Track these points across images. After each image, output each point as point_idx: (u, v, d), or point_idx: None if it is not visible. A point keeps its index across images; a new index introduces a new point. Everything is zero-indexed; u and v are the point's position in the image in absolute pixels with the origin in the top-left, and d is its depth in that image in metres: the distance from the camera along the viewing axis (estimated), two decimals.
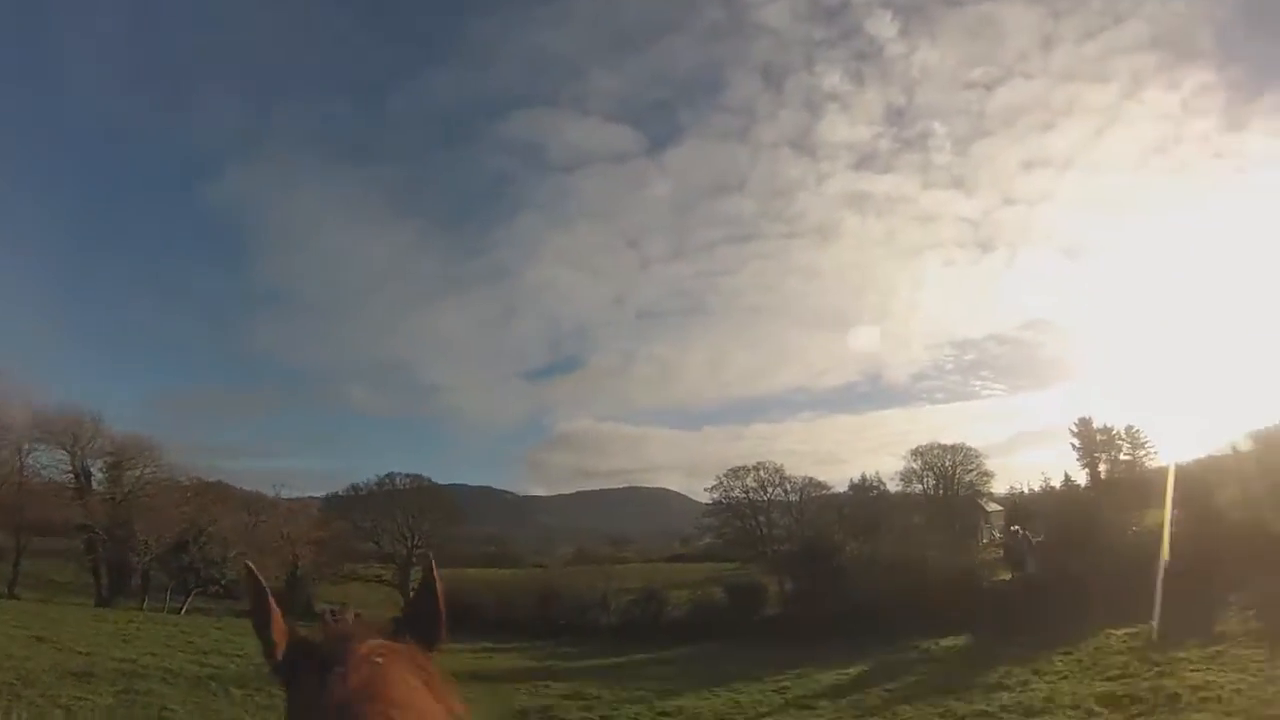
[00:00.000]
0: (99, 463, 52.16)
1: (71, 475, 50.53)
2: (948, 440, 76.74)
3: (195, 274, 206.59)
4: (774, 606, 36.18)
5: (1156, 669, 15.66)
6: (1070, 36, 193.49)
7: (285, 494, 62.47)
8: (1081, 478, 71.56)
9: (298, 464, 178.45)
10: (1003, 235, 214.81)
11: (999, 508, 64.30)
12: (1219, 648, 16.58)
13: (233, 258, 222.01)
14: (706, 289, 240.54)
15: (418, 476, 70.13)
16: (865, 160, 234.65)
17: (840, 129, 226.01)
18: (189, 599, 46.05)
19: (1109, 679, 15.66)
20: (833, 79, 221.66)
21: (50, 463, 50.05)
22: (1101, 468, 73.49)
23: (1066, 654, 19.08)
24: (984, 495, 72.32)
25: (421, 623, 1.96)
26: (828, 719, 15.07)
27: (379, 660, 1.75)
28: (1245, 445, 33.76)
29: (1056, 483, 66.92)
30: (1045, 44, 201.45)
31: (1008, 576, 34.11)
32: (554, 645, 33.96)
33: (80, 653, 21.24)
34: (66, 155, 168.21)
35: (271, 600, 1.90)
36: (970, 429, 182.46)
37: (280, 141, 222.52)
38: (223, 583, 46.85)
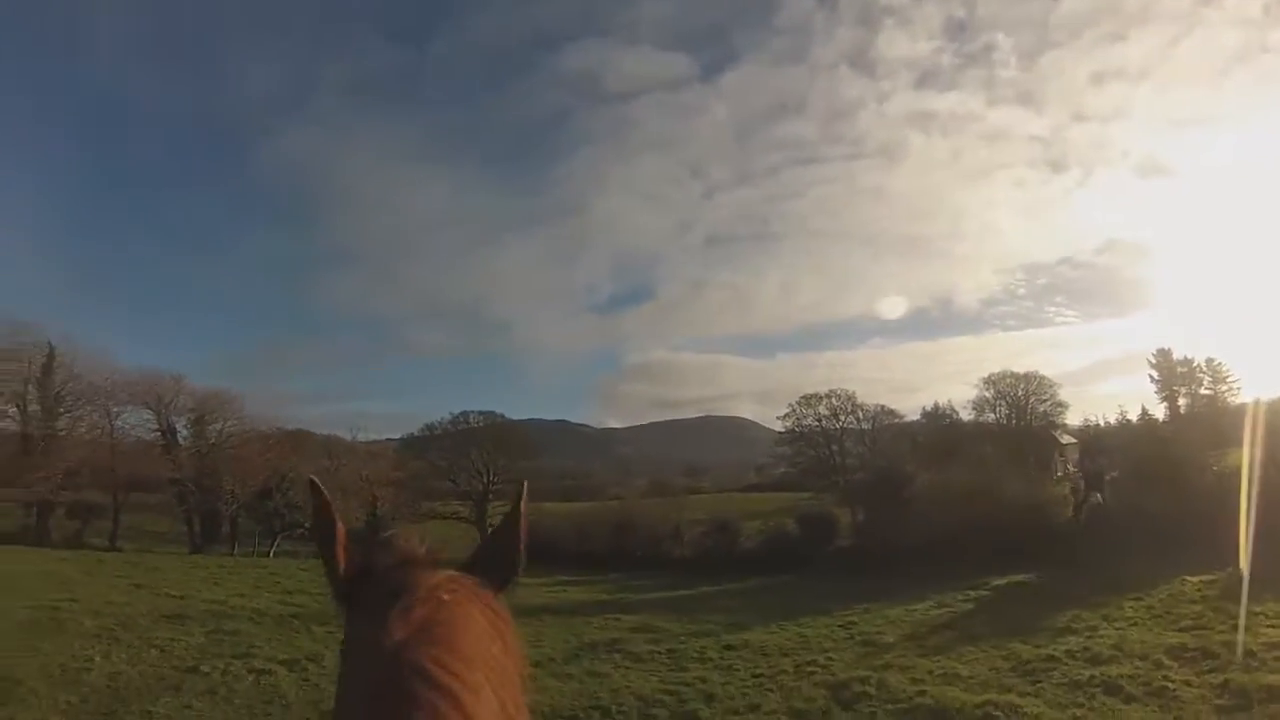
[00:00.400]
0: (183, 419, 54.79)
1: (158, 433, 53.25)
2: (1021, 369, 75.70)
3: (266, 234, 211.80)
4: (846, 537, 36.24)
5: (1232, 622, 15.10)
6: None
7: (362, 437, 64.78)
8: (1160, 411, 70.06)
9: (374, 407, 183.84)
10: (1075, 154, 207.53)
11: (1074, 440, 63.52)
12: None
13: (300, 215, 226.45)
14: (772, 214, 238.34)
15: (490, 414, 71.35)
16: (927, 77, 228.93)
17: (899, 44, 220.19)
18: (276, 542, 48.10)
19: (1181, 630, 15.34)
20: None
21: (138, 422, 52.94)
22: (1181, 402, 71.51)
23: (1138, 599, 18.70)
24: (1058, 426, 71.20)
25: (498, 556, 1.82)
26: (892, 658, 15.05)
27: (446, 597, 1.63)
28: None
29: (1134, 415, 65.55)
30: None
31: (1070, 513, 33.64)
32: (628, 578, 34.33)
33: (174, 596, 22.20)
34: (126, 135, 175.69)
35: (337, 515, 1.80)
36: (1044, 357, 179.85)
37: (329, 97, 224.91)
38: (306, 526, 46.97)
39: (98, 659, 13.96)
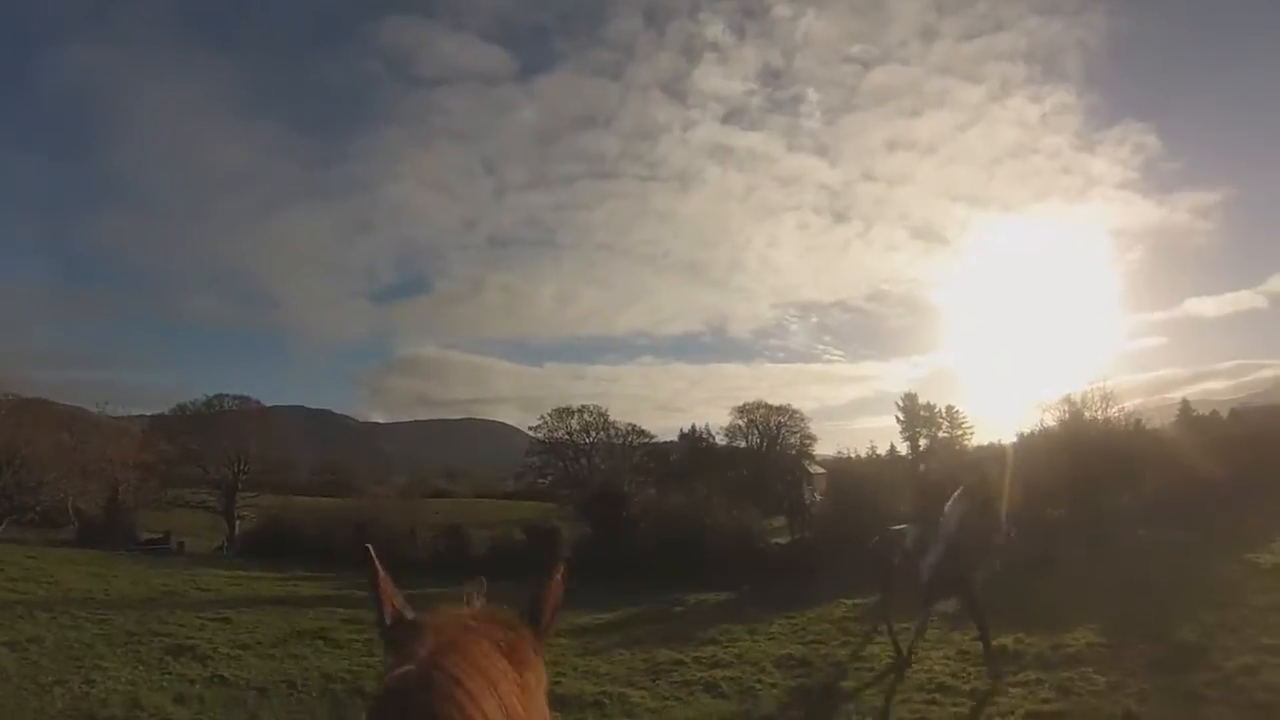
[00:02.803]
0: None
1: None
2: (788, 400, 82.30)
3: (21, 156, 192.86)
4: (569, 550, 38.43)
5: (845, 639, 17.76)
6: (951, 33, 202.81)
7: (109, 412, 61.70)
8: (905, 449, 78.10)
9: (124, 376, 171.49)
10: (859, 208, 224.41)
11: (822, 470, 67.28)
12: (908, 624, 18.75)
13: (69, 142, 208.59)
14: (560, 222, 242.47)
15: (245, 398, 70.50)
16: (734, 114, 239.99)
17: (714, 80, 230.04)
18: (1, 527, 44.12)
19: (803, 643, 17.58)
20: (715, 29, 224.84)
21: None
22: (922, 442, 79.87)
23: (789, 618, 20.83)
24: (809, 457, 77.25)
25: (531, 612, 2.04)
26: (554, 656, 17.51)
27: (471, 624, 1.87)
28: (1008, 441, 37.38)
29: (883, 450, 72.63)
30: (927, 35, 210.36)
31: (783, 540, 36.89)
32: (361, 575, 35.51)
33: None
34: None
35: (383, 577, 2.04)
36: (810, 390, 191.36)
37: (134, 17, 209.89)
38: (39, 509, 45.53)
39: None
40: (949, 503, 14.40)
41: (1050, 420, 38.18)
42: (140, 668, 13.71)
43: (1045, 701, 11.04)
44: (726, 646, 17.78)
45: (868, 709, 12.13)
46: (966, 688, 12.54)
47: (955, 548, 13.92)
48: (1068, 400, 38.89)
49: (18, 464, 44.44)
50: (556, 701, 12.05)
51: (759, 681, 14.32)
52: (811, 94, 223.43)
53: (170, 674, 13.44)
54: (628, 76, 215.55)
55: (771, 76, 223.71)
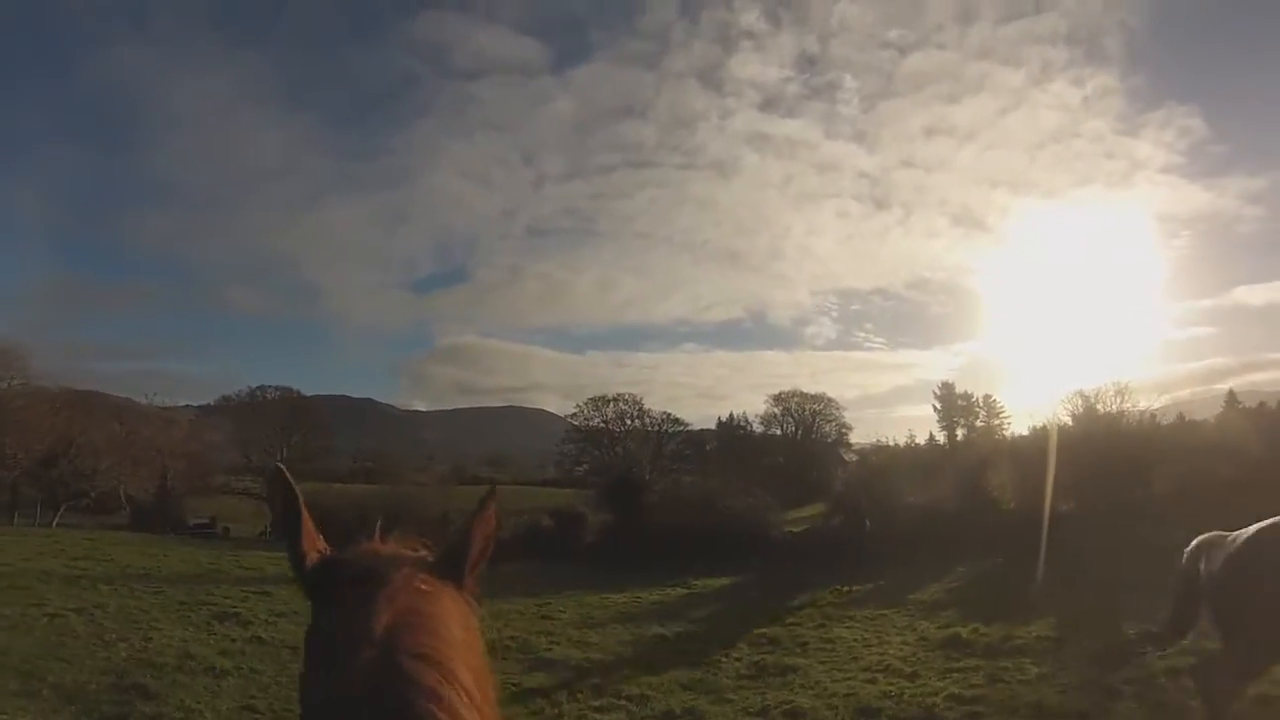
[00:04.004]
0: None
1: None
2: (827, 387, 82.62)
3: (70, 153, 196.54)
4: (593, 534, 39.33)
5: (821, 621, 18.79)
6: (989, 17, 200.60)
7: (158, 401, 63.43)
8: (942, 439, 77.88)
9: (172, 367, 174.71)
10: (898, 195, 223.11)
11: (857, 458, 67.28)
12: (887, 611, 19.39)
13: (114, 140, 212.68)
14: (599, 211, 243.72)
15: (287, 389, 72.61)
16: (771, 102, 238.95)
17: (751, 67, 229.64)
18: (59, 513, 45.95)
19: (782, 625, 18.64)
20: (750, 17, 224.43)
21: None
22: (959, 432, 79.46)
23: (781, 600, 22.17)
24: (845, 445, 77.36)
25: (459, 552, 1.79)
26: (552, 628, 18.98)
27: (424, 589, 1.63)
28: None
29: (922, 440, 72.60)
30: (964, 18, 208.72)
31: (796, 530, 37.43)
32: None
33: None
34: None
35: (304, 505, 1.80)
36: (851, 378, 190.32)
37: (175, 16, 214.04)
38: (93, 495, 47.40)
39: None
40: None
41: (1064, 414, 38.44)
42: (191, 629, 15.70)
43: (971, 687, 11.79)
44: (709, 625, 19.22)
45: (812, 681, 13.14)
46: (909, 670, 13.39)
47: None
48: (1081, 394, 39.20)
49: (73, 453, 46.48)
50: (543, 664, 13.95)
51: (726, 655, 15.49)
52: (848, 80, 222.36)
53: (216, 634, 15.41)
54: (663, 66, 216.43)
55: (808, 63, 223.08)
